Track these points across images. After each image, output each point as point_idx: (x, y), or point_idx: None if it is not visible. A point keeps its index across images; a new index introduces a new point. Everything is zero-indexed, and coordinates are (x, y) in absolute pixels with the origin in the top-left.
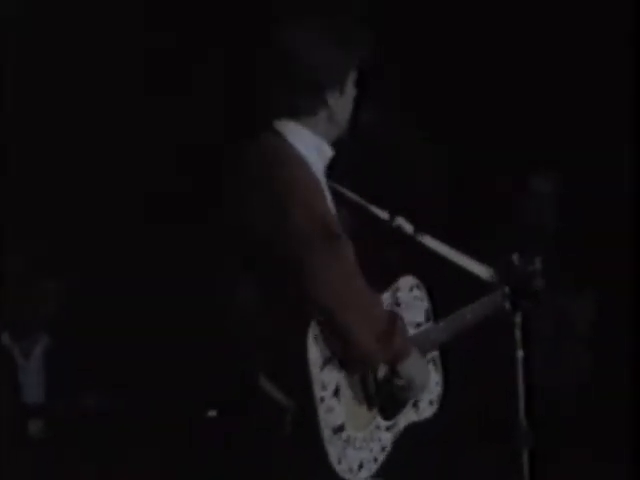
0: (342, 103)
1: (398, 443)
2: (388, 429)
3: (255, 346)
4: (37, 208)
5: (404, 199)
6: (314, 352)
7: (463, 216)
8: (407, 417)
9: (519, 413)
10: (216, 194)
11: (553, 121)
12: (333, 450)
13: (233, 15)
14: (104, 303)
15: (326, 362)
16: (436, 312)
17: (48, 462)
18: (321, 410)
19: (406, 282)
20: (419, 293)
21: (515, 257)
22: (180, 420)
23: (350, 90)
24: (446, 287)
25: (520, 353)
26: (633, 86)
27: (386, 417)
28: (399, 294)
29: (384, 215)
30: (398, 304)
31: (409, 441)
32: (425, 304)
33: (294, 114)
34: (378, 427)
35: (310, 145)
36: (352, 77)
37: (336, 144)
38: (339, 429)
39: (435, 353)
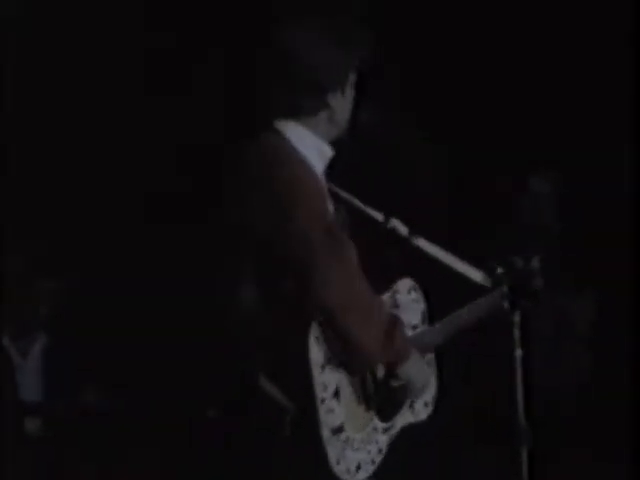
0: (343, 103)
1: (396, 444)
2: (385, 431)
3: (255, 346)
4: (37, 208)
5: (404, 199)
6: (315, 353)
7: (463, 216)
8: (404, 418)
9: (518, 413)
10: (216, 194)
11: (553, 121)
12: (332, 451)
13: (233, 15)
14: (103, 303)
15: (327, 363)
16: (432, 314)
17: (47, 461)
18: (321, 411)
19: (405, 284)
20: (416, 295)
21: (515, 257)
22: (180, 420)
23: (350, 90)
24: (442, 289)
25: (519, 352)
26: (633, 86)
27: (383, 419)
28: (398, 296)
29: (379, 217)
30: (397, 306)
31: (407, 442)
32: (421, 306)
33: (295, 114)
34: (375, 429)
35: (310, 145)
36: (352, 77)
37: (336, 144)
38: (338, 430)
39: (430, 355)
